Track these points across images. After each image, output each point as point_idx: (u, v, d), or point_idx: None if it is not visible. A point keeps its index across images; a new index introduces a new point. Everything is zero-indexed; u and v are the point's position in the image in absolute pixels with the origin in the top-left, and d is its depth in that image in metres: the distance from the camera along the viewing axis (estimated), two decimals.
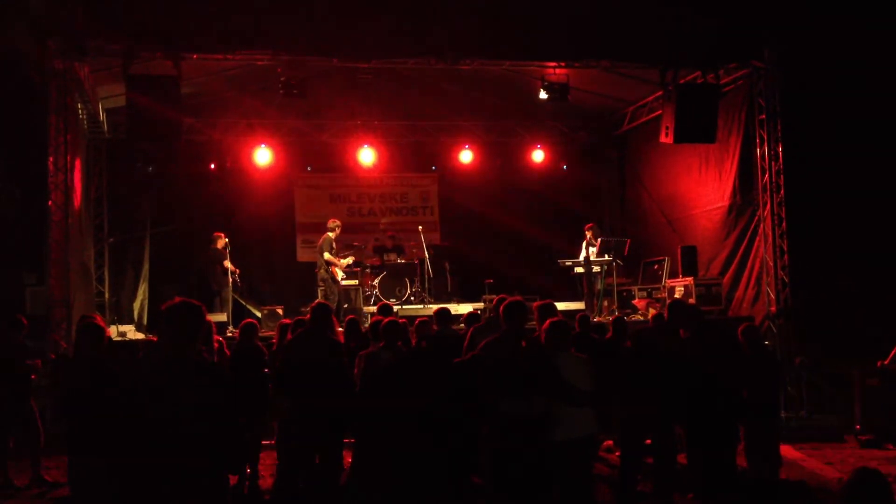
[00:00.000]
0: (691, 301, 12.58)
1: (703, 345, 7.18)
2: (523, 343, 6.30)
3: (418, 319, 8.35)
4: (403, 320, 8.14)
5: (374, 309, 13.18)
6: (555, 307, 7.38)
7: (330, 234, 13.69)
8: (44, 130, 10.91)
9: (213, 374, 4.20)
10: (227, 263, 13.43)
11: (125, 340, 11.67)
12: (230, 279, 13.36)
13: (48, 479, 8.46)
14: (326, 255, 13.49)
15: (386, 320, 7.57)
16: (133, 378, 4.18)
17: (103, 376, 5.70)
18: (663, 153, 15.02)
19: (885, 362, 10.26)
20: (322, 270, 13.54)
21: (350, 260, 13.94)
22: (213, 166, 15.75)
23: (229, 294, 13.41)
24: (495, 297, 8.40)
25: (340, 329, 9.03)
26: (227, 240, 13.58)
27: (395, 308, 12.68)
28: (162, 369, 4.04)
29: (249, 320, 8.82)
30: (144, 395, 3.96)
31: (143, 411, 3.93)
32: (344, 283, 13.49)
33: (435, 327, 8.45)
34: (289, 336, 8.05)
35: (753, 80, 12.59)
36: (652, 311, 9.23)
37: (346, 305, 13.42)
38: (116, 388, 4.19)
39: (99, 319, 7.01)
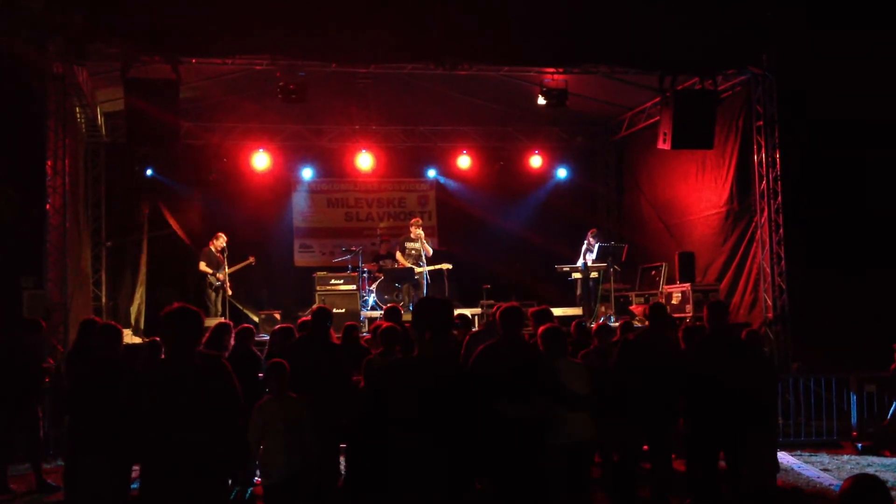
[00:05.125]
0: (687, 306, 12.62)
1: (707, 350, 7.17)
2: (521, 348, 6.29)
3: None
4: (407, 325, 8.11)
5: (372, 314, 13.24)
6: (551, 313, 7.39)
7: (409, 234, 14.15)
8: (42, 134, 10.92)
9: (214, 377, 4.21)
10: (203, 266, 13.65)
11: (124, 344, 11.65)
12: (209, 282, 13.65)
13: (49, 482, 8.42)
14: (397, 255, 14.02)
15: (384, 326, 7.55)
16: (138, 380, 4.19)
17: (118, 377, 5.69)
18: (661, 159, 15.05)
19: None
20: None
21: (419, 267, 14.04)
22: (211, 170, 15.75)
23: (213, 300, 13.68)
24: (494, 304, 8.40)
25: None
26: (216, 243, 13.82)
27: None
28: (164, 373, 4.06)
29: (245, 325, 8.82)
30: (149, 397, 3.98)
31: (147, 413, 3.94)
32: (342, 288, 13.48)
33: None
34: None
35: (751, 86, 12.63)
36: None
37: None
38: (127, 390, 4.22)
39: (115, 323, 7.01)
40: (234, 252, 13.92)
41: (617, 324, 10.84)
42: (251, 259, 13.97)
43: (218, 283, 13.64)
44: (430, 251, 14.20)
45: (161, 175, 15.43)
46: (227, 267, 13.71)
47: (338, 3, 11.05)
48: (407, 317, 12.39)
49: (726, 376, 6.86)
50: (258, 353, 8.63)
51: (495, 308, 7.68)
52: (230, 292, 13.82)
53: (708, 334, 7.34)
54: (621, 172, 17.46)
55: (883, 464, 9.38)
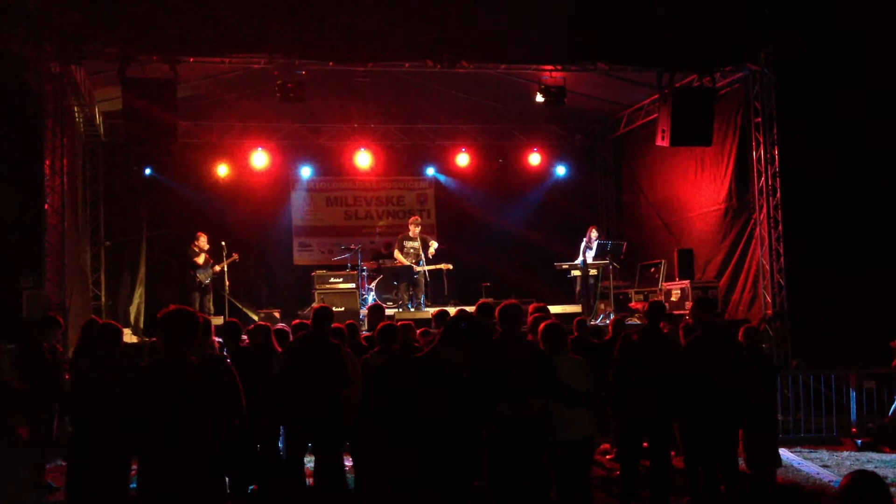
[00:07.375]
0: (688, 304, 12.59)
1: (701, 347, 7.17)
2: (520, 345, 6.29)
3: (437, 310, 8.35)
4: (405, 322, 8.10)
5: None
6: (548, 310, 7.40)
7: (407, 233, 14.03)
8: (40, 133, 10.90)
9: (211, 376, 4.21)
10: (199, 260, 13.67)
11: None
12: (198, 279, 13.63)
13: (50, 482, 8.40)
14: (395, 253, 13.92)
15: (381, 324, 7.53)
16: (136, 380, 4.20)
17: (118, 377, 5.69)
18: (659, 156, 15.04)
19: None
20: None
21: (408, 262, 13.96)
22: (209, 169, 15.75)
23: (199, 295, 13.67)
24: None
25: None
26: (199, 243, 13.82)
27: (392, 311, 12.69)
28: (161, 372, 4.06)
29: (259, 322, 8.83)
30: (147, 397, 3.98)
31: (145, 413, 3.95)
32: (341, 286, 13.48)
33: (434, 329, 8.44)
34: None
35: (749, 83, 12.62)
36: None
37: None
38: (126, 389, 4.22)
39: (115, 323, 7.00)
40: (232, 250, 13.87)
41: (609, 321, 10.88)
42: (235, 256, 13.80)
43: (206, 283, 13.60)
44: (436, 245, 14.19)
45: (159, 174, 15.42)
46: (215, 266, 13.67)
47: (336, 2, 11.04)
48: (406, 315, 12.45)
49: (717, 372, 6.86)
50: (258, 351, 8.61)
51: (478, 305, 7.68)
52: (213, 291, 13.83)
53: (697, 331, 7.35)
54: (620, 170, 17.45)
55: (882, 460, 9.39)
